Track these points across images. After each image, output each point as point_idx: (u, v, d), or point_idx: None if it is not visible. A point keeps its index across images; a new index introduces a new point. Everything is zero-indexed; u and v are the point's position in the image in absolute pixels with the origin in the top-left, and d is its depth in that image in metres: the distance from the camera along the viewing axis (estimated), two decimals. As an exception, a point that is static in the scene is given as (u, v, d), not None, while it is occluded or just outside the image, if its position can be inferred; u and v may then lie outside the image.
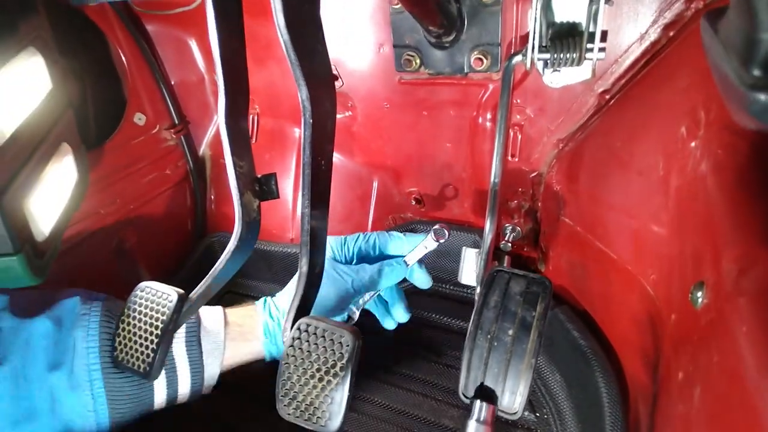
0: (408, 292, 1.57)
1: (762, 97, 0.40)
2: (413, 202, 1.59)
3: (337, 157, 1.63)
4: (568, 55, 1.03)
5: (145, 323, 1.03)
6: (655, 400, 0.92)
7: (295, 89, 0.76)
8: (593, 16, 0.99)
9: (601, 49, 1.01)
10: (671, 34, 1.01)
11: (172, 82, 1.65)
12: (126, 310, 1.04)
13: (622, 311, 1.08)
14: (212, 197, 1.81)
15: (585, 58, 1.03)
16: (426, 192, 1.56)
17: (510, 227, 1.39)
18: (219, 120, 1.01)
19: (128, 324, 1.04)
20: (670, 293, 0.87)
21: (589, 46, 1.01)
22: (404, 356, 1.44)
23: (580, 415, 1.16)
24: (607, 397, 1.06)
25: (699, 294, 0.71)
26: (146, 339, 1.01)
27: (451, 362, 1.39)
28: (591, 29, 1.00)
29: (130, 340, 1.03)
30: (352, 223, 1.63)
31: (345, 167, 1.62)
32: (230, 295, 1.77)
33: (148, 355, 1.01)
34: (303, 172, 1.00)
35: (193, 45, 1.56)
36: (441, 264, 1.56)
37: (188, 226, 1.75)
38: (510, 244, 1.36)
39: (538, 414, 1.23)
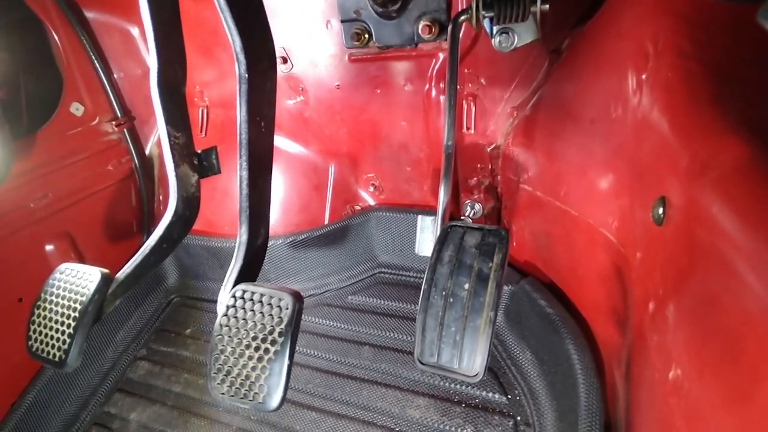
0: (373, 281, 1.49)
1: None
2: (371, 189, 1.52)
3: (292, 146, 1.56)
4: (512, 10, 1.01)
5: (63, 306, 0.91)
6: (628, 361, 0.85)
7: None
8: (534, -32, 0.98)
9: (545, 0, 0.99)
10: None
11: (116, 75, 1.57)
12: (42, 294, 0.93)
13: (589, 272, 1.02)
14: (161, 198, 1.70)
15: (530, 12, 1.01)
16: (384, 177, 1.49)
17: (469, 203, 1.33)
18: (151, 82, 0.94)
19: (44, 309, 0.93)
20: (633, 230, 0.81)
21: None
22: (365, 348, 1.33)
23: (554, 391, 1.07)
24: (580, 365, 0.98)
25: (660, 210, 0.65)
26: (63, 324, 0.90)
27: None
28: (533, -19, 0.99)
29: (45, 326, 0.92)
30: (309, 215, 1.55)
31: (300, 156, 1.55)
32: (180, 298, 1.64)
33: (64, 342, 0.89)
34: (239, 131, 0.93)
35: (136, 33, 1.50)
36: (405, 252, 1.48)
37: (133, 226, 1.63)
38: (470, 220, 1.30)
39: (509, 396, 1.13)
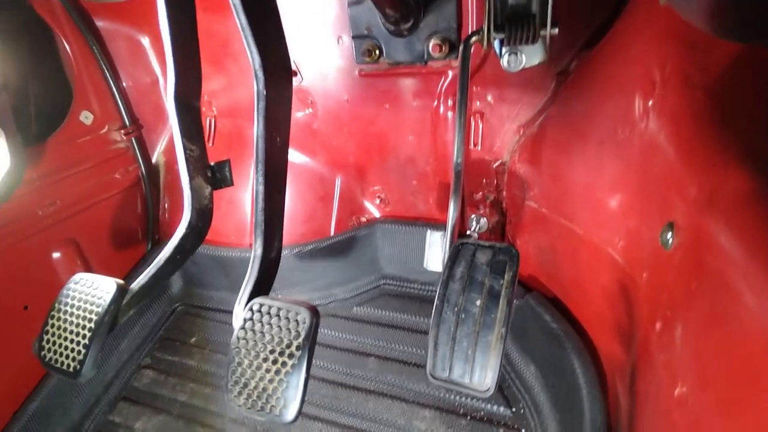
0: (378, 293, 1.51)
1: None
2: (377, 201, 1.54)
3: (299, 157, 1.57)
4: (523, 32, 1.04)
5: (78, 317, 0.92)
6: (633, 376, 0.88)
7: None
8: (545, -6, 1.01)
9: (554, 24, 1.02)
10: (622, 7, 1.04)
11: (124, 84, 1.58)
12: (56, 304, 0.94)
13: (594, 288, 1.05)
14: (166, 205, 1.71)
15: (539, 35, 1.04)
16: (390, 189, 1.52)
17: (475, 218, 1.36)
18: (167, 96, 0.96)
19: (58, 319, 0.94)
20: (639, 251, 0.84)
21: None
22: (370, 359, 1.34)
23: (558, 404, 1.09)
24: (584, 378, 1.00)
25: (669, 235, 0.68)
26: (78, 334, 0.91)
27: (421, 362, 1.31)
28: (543, 6, 1.02)
29: (59, 336, 0.92)
30: (315, 225, 1.57)
31: (307, 167, 1.57)
32: (184, 306, 1.65)
33: (79, 352, 0.90)
34: (257, 146, 0.96)
35: (146, 43, 1.51)
36: (410, 264, 1.50)
37: (138, 234, 1.64)
38: (476, 235, 1.33)
39: (514, 409, 1.15)
